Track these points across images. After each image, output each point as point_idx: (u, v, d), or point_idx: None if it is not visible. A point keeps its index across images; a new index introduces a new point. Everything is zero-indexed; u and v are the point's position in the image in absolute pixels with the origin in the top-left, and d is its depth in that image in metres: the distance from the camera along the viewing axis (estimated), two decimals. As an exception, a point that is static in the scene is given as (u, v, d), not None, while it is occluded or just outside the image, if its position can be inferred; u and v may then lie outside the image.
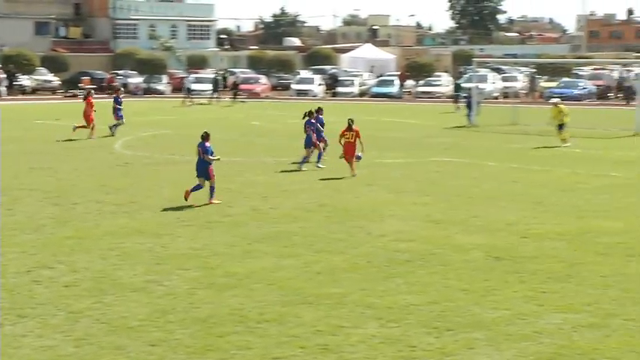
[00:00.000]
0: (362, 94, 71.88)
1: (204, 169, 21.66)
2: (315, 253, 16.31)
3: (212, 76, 71.69)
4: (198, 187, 21.56)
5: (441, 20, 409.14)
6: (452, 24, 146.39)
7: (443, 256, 16.12)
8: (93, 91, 40.41)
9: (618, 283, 14.22)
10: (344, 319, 12.34)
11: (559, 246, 16.94)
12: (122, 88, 47.83)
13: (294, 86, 72.80)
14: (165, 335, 11.68)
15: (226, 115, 50.55)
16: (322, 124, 28.88)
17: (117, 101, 39.04)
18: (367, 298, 13.39)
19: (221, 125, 42.69)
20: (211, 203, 21.24)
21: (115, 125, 38.15)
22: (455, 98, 56.93)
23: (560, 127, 33.79)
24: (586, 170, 27.30)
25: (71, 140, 35.10)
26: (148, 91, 71.85)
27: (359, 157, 26.38)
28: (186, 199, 21.20)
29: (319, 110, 29.14)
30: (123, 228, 18.45)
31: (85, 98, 37.56)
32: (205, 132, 22.00)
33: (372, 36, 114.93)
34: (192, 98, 61.14)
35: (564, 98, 62.33)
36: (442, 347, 11.29)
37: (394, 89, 70.38)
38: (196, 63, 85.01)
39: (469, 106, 44.93)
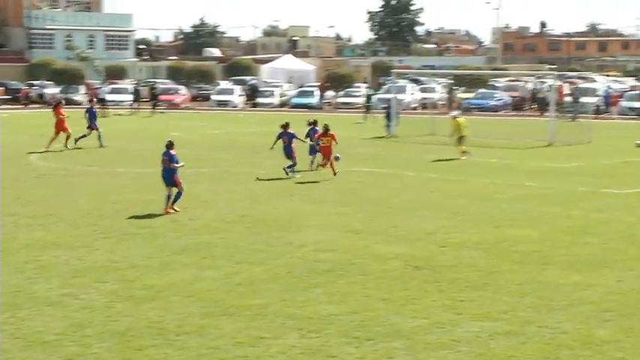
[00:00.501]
0: (282, 104, 71.97)
1: (171, 178, 21.81)
2: (235, 264, 16.25)
3: (131, 86, 71.06)
4: (170, 197, 21.69)
5: (360, 32, 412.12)
6: (371, 35, 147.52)
7: (363, 265, 16.20)
8: (63, 102, 39.99)
9: (534, 291, 14.45)
10: (264, 330, 12.32)
11: (476, 255, 17.16)
12: (95, 99, 46.86)
13: (214, 97, 72.55)
14: (82, 350, 11.52)
15: (145, 127, 50.14)
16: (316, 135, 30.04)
17: (91, 112, 38.50)
18: (287, 308, 13.39)
19: (140, 136, 42.33)
20: (173, 210, 21.44)
21: (98, 135, 37.74)
22: (366, 108, 57.67)
23: (460, 139, 34.02)
24: (502, 180, 27.71)
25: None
26: (65, 102, 70.93)
27: (337, 158, 28.48)
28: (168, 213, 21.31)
29: (315, 122, 30.91)
30: (39, 241, 18.16)
31: (55, 109, 36.88)
32: (170, 140, 22.35)
33: (292, 47, 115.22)
34: (107, 109, 60.51)
35: (481, 109, 63.46)
36: (362, 357, 11.34)
37: (314, 100, 70.61)
38: (115, 73, 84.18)
39: (388, 116, 45.27)
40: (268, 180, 27.44)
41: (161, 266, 16.06)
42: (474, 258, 16.87)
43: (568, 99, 57.71)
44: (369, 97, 60.70)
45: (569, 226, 20.13)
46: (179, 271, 15.67)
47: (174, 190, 21.80)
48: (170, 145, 22.07)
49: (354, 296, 14.11)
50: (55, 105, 37.58)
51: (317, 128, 30.41)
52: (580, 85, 63.08)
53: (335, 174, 28.01)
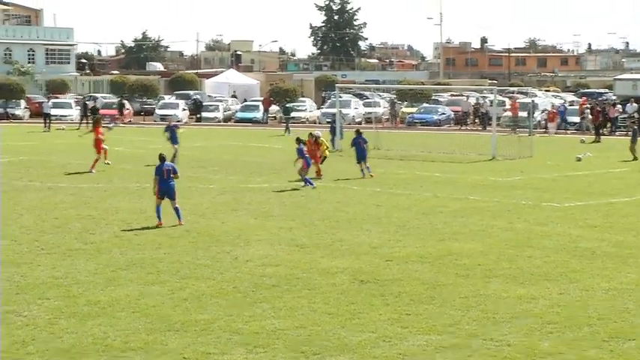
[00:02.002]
0: (227, 119, 71.79)
1: (171, 190, 21.90)
2: (180, 279, 16.18)
3: (73, 101, 70.45)
4: (160, 210, 21.83)
5: (304, 46, 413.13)
6: (314, 50, 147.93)
7: (309, 280, 16.22)
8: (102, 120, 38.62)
9: (478, 304, 14.58)
10: (211, 346, 12.28)
11: (421, 268, 17.27)
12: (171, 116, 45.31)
13: (158, 111, 72.10)
14: (26, 367, 11.38)
15: (89, 141, 49.72)
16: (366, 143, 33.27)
17: (172, 130, 37.39)
18: (234, 323, 13.36)
19: (82, 151, 41.96)
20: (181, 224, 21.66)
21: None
22: (286, 122, 58.40)
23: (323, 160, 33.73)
24: (446, 194, 27.92)
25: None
26: (5, 117, 70.07)
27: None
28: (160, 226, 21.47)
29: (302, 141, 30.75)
30: (-20, 257, 17.90)
31: (95, 127, 35.74)
32: (161, 154, 22.48)
33: (236, 61, 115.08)
34: (50, 123, 59.90)
35: (424, 123, 63.93)
36: (309, 371, 11.35)
37: (259, 114, 70.59)
38: (56, 88, 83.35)
39: (333, 131, 45.41)
40: (218, 194, 27.36)
41: (106, 282, 15.93)
42: (419, 271, 16.98)
43: (523, 114, 58.34)
44: (286, 109, 61.33)
45: (512, 239, 20.35)
46: (124, 287, 15.55)
47: (169, 202, 21.88)
48: (164, 158, 22.20)
49: (300, 311, 14.12)
50: (95, 123, 36.32)
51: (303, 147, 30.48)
52: (530, 101, 63.69)
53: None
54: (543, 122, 60.64)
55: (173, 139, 36.91)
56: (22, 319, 13.54)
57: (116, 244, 19.40)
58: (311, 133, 32.13)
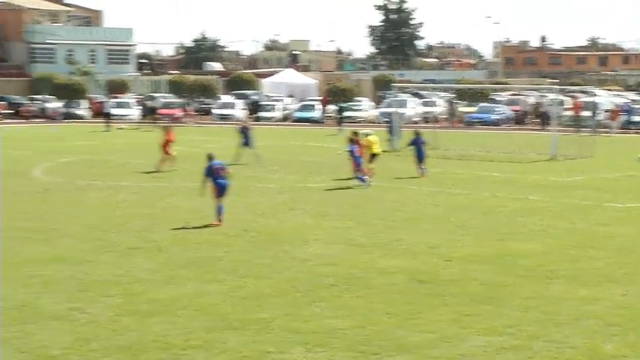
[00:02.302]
0: (284, 118, 72.04)
1: (225, 188, 22.02)
2: (239, 278, 16.25)
3: (133, 101, 71.24)
4: (221, 208, 21.96)
5: (361, 46, 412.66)
6: (372, 49, 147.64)
7: (367, 279, 16.19)
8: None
9: (539, 305, 14.44)
10: (270, 345, 12.31)
11: (481, 269, 17.15)
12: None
13: (215, 111, 72.62)
14: (88, 364, 11.52)
15: (149, 140, 50.18)
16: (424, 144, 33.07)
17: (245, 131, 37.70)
18: (292, 322, 13.38)
19: (143, 150, 42.37)
20: (218, 222, 21.78)
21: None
22: (338, 121, 58.52)
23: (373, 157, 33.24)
24: (505, 193, 27.70)
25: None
26: (68, 116, 70.98)
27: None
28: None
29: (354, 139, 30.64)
30: (44, 255, 18.16)
31: (167, 132, 35.23)
32: (209, 153, 22.60)
33: (293, 61, 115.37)
34: (111, 123, 60.58)
35: (482, 123, 63.48)
36: (368, 371, 11.33)
37: (316, 114, 70.70)
38: (116, 87, 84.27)
39: (391, 131, 45.30)
40: (277, 193, 27.46)
41: (166, 280, 16.06)
42: (478, 272, 16.86)
43: (585, 113, 57.78)
44: (341, 109, 61.48)
45: (573, 240, 20.13)
46: (184, 285, 15.67)
47: (223, 200, 21.99)
48: (212, 157, 22.27)
49: (358, 310, 14.10)
50: (166, 128, 36.09)
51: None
52: (592, 99, 62.96)
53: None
54: (605, 122, 59.88)
55: (247, 142, 36.75)
56: (86, 316, 13.70)
57: (175, 243, 19.55)
58: (356, 132, 31.52)
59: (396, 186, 29.65)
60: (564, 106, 63.58)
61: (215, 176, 22.02)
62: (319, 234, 20.70)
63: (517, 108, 68.80)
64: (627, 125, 59.77)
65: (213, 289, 15.45)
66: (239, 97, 78.16)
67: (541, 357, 11.89)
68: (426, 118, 67.78)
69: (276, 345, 12.30)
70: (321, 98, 76.75)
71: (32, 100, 74.08)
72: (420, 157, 32.83)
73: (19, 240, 19.80)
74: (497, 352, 12.07)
